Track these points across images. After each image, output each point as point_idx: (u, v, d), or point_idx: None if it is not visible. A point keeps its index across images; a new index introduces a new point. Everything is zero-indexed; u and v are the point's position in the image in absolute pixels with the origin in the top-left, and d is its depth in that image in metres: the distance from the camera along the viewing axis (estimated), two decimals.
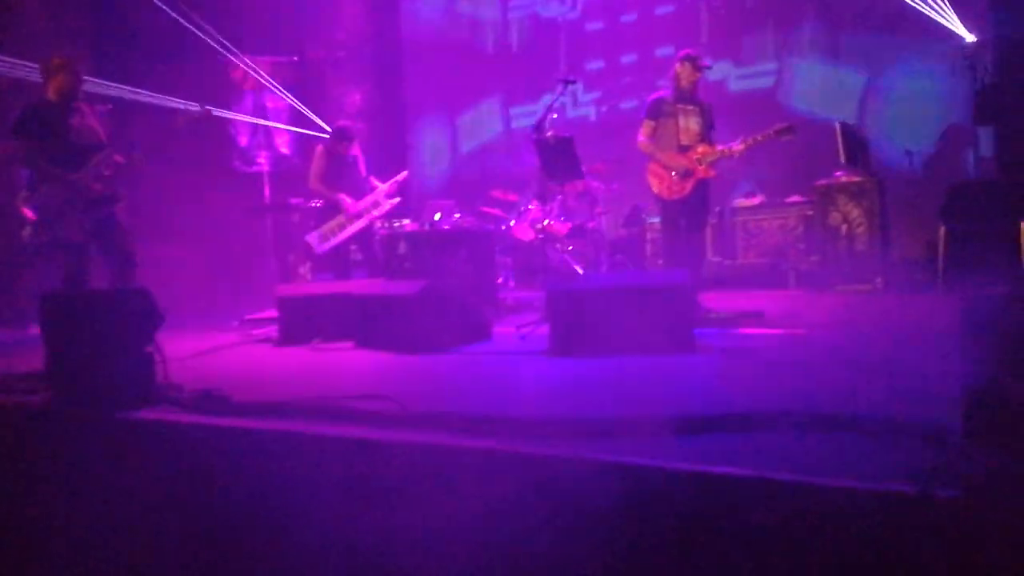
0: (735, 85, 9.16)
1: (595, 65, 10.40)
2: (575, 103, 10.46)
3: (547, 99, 6.88)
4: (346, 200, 6.48)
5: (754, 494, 2.01)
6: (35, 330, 5.01)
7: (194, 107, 5.48)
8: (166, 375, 3.75)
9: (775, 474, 2.02)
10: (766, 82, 8.98)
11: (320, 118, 8.77)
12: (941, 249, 6.11)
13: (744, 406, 2.63)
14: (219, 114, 6.00)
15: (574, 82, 5.71)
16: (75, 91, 5.13)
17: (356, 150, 6.73)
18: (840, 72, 8.42)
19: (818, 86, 8.55)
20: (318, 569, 2.69)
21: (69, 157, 4.99)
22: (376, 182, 6.70)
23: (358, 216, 6.51)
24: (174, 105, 7.22)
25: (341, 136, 6.63)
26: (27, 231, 7.29)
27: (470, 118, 11.23)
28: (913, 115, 7.81)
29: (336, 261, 6.73)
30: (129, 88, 7.34)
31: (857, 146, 6.80)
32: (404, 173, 6.86)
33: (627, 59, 10.19)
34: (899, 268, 6.93)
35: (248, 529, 2.88)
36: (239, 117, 8.60)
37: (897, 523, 1.83)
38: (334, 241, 6.52)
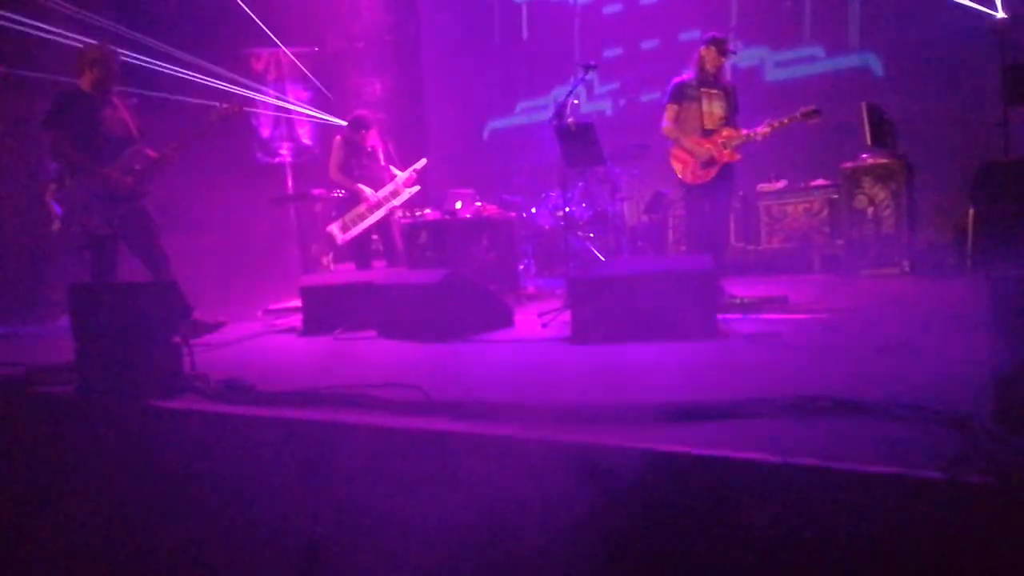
0: (771, 74, 8.96)
1: (613, 52, 10.23)
2: (590, 96, 10.33)
3: (558, 92, 6.83)
4: (365, 190, 6.49)
5: (779, 480, 1.97)
6: (64, 322, 5.09)
7: (226, 102, 5.50)
8: (193, 365, 3.79)
9: (800, 460, 1.98)
10: (801, 70, 8.76)
11: (341, 108, 8.80)
12: (970, 231, 6.00)
13: (768, 392, 2.60)
14: (248, 107, 6.01)
15: (595, 67, 5.65)
16: (110, 84, 5.11)
17: (375, 140, 6.72)
18: (867, 54, 8.27)
19: (844, 67, 8.42)
20: (339, 557, 2.70)
21: (100, 150, 5.00)
22: (396, 171, 6.70)
23: (378, 206, 6.51)
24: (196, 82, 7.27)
25: (358, 125, 6.63)
26: (56, 224, 7.43)
27: (490, 106, 11.19)
28: (941, 94, 7.67)
29: (357, 251, 6.75)
30: (155, 62, 7.38)
31: (883, 127, 6.69)
32: (423, 161, 6.84)
33: (648, 45, 9.99)
34: (927, 251, 6.83)
35: (273, 517, 2.90)
36: (271, 101, 8.63)
37: (925, 509, 1.80)
38: (355, 231, 6.53)
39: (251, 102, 8.31)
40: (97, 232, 4.99)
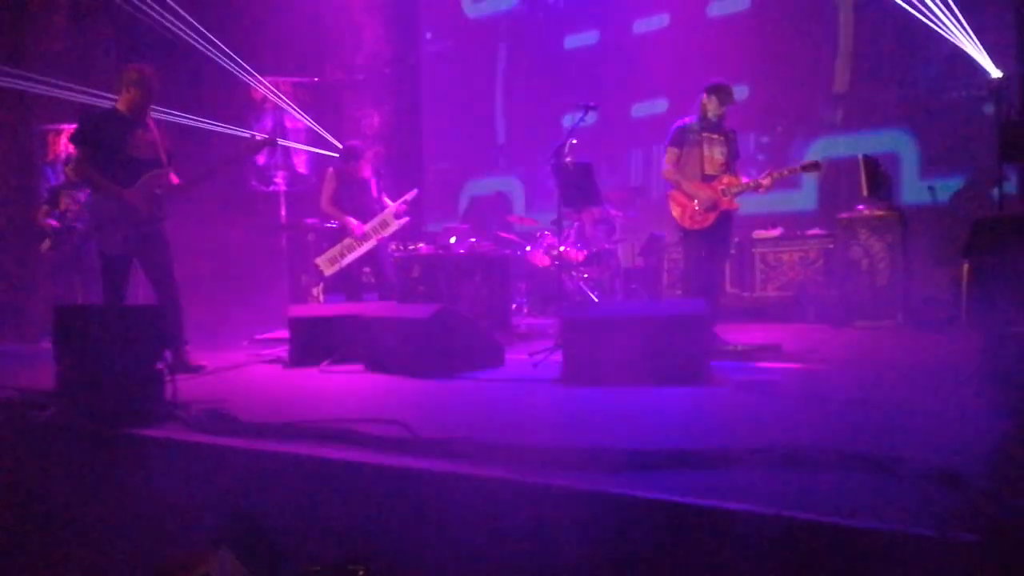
0: None
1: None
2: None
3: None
4: (352, 223, 6.50)
5: (769, 532, 1.95)
6: (47, 344, 5.03)
7: (260, 135, 5.59)
8: (175, 393, 3.73)
9: (791, 512, 1.96)
10: None
11: (338, 139, 8.84)
12: (964, 286, 6.00)
13: (759, 441, 2.57)
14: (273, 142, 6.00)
15: (595, 108, 5.66)
16: (145, 106, 5.07)
17: (368, 172, 6.74)
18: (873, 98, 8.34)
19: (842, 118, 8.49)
20: None
21: (123, 171, 4.95)
22: (389, 202, 6.69)
23: (364, 237, 6.52)
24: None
25: (349, 155, 6.66)
26: (46, 245, 7.41)
27: (486, 143, 11.22)
28: (938, 149, 7.74)
29: (347, 283, 6.74)
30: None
31: (880, 179, 6.73)
32: (414, 191, 6.84)
33: (642, 109, 9.05)
34: (921, 304, 6.83)
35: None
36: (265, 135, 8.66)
37: (916, 567, 1.77)
38: (342, 263, 6.55)
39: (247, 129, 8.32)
40: (111, 252, 4.95)
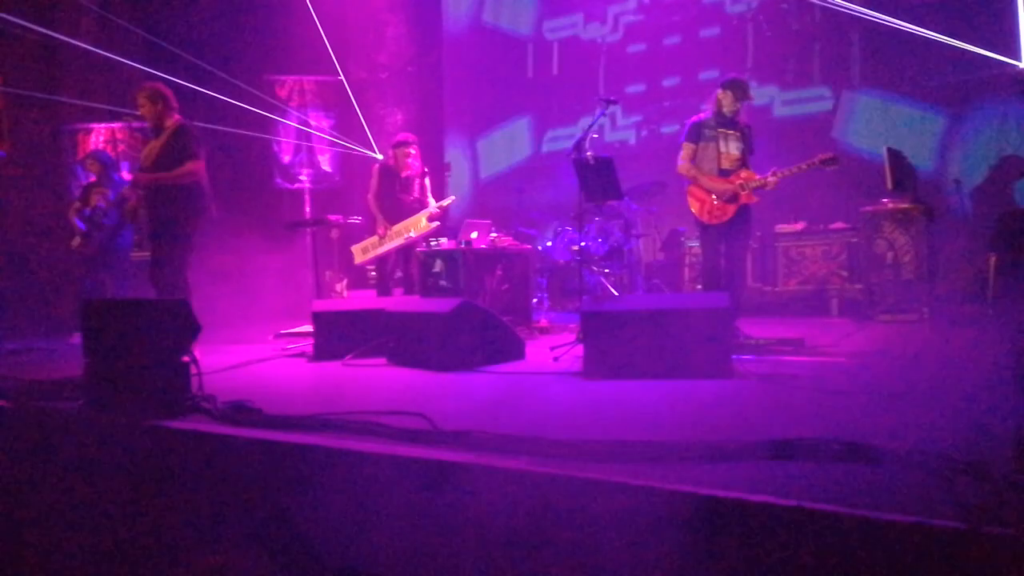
0: (780, 111, 9.03)
1: (636, 88, 10.26)
2: (613, 127, 10.36)
3: (585, 120, 6.90)
4: (381, 223, 6.83)
5: (794, 524, 1.94)
6: (78, 339, 5.12)
7: None
8: (200, 386, 3.79)
9: (815, 504, 1.94)
10: (813, 108, 8.83)
11: (362, 136, 8.91)
12: (991, 278, 5.93)
13: (781, 434, 2.55)
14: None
15: (614, 102, 5.67)
16: (154, 118, 5.51)
17: (413, 170, 6.92)
18: (887, 101, 8.27)
19: (863, 113, 8.42)
20: None
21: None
22: (432, 202, 6.86)
23: (395, 235, 6.77)
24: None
25: (396, 145, 6.95)
26: (76, 241, 7.54)
27: (509, 138, 11.25)
28: (963, 143, 7.64)
29: (379, 278, 7.11)
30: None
31: (905, 172, 6.65)
32: (451, 198, 7.18)
33: (669, 82, 10.01)
34: (946, 298, 6.75)
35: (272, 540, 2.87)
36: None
37: (945, 559, 1.76)
38: (372, 254, 6.90)
39: (273, 127, 8.43)
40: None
